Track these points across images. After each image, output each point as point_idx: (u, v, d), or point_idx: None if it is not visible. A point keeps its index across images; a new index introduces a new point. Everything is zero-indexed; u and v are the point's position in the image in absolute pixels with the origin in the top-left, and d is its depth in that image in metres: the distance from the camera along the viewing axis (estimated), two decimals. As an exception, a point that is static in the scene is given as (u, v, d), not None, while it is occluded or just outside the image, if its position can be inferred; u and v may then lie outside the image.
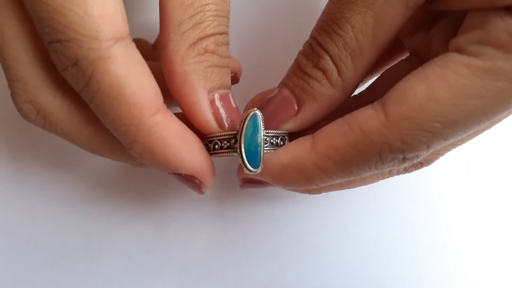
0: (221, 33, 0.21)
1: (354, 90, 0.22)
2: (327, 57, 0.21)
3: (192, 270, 0.31)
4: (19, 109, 0.22)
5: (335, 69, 0.21)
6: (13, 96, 0.21)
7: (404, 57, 0.26)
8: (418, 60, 0.26)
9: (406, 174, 0.26)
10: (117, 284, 0.30)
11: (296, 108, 0.22)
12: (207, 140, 0.22)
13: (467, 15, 0.19)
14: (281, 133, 0.23)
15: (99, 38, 0.18)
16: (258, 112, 0.21)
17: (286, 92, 0.23)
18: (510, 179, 0.33)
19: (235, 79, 0.27)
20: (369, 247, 0.32)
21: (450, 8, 0.20)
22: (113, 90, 0.18)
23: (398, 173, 0.26)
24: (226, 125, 0.22)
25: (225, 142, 0.22)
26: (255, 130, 0.21)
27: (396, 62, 0.27)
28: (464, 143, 0.24)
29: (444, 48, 0.20)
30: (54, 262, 0.30)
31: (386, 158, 0.20)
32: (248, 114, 0.21)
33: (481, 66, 0.18)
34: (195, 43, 0.20)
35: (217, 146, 0.22)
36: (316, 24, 0.22)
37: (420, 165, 0.25)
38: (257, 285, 0.31)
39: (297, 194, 0.30)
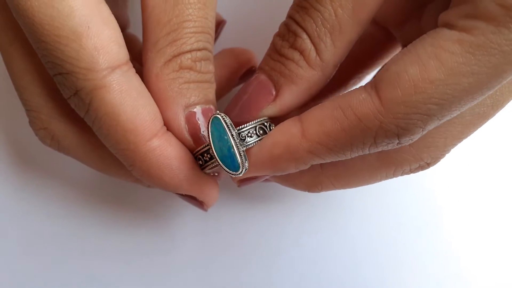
0: (199, 49, 0.21)
1: (333, 71, 0.21)
2: (305, 36, 0.20)
3: (189, 273, 0.31)
4: (36, 135, 0.24)
5: (313, 48, 0.20)
6: (30, 123, 0.23)
7: (397, 51, 0.24)
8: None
9: (410, 176, 0.25)
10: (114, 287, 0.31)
11: (274, 93, 0.21)
12: (194, 157, 0.22)
13: None
14: (260, 121, 0.21)
15: (94, 69, 0.18)
16: (218, 115, 0.20)
17: (262, 77, 0.22)
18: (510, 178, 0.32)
19: (219, 23, 0.27)
20: (368, 249, 0.31)
21: None
22: (109, 117, 0.19)
23: (403, 173, 0.25)
24: (205, 141, 0.21)
25: (206, 155, 0.22)
26: (221, 133, 0.20)
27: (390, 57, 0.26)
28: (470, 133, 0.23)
29: None
30: (50, 266, 0.31)
31: (381, 143, 0.19)
32: (209, 120, 0.20)
33: (473, 42, 0.17)
34: (170, 60, 0.20)
35: (201, 162, 0.22)
36: (294, 1, 0.21)
37: (427, 165, 0.24)
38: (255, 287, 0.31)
39: (297, 194, 0.29)
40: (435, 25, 0.20)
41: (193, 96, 0.21)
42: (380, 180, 0.25)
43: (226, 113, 0.21)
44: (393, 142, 0.19)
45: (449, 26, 0.18)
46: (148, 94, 0.20)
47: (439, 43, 0.17)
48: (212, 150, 0.20)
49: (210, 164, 0.22)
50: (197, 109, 0.21)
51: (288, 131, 0.20)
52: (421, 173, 0.25)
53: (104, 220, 0.31)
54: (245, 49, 0.28)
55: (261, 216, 0.32)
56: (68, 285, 0.31)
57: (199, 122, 0.21)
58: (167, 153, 0.20)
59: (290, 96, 0.21)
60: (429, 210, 0.32)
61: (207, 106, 0.22)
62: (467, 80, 0.17)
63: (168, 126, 0.21)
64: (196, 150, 0.22)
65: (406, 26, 0.24)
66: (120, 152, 0.20)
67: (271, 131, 0.21)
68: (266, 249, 0.31)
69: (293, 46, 0.20)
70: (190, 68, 0.21)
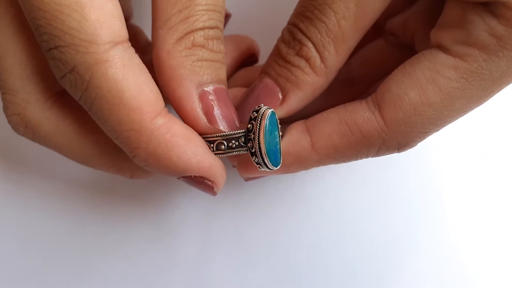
0: (211, 27, 0.20)
1: (335, 75, 0.23)
2: (310, 45, 0.21)
3: (189, 269, 0.30)
4: (9, 122, 0.22)
5: (318, 56, 0.21)
6: (4, 108, 0.22)
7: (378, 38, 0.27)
8: (394, 39, 0.27)
9: (407, 170, 0.30)
10: (112, 284, 0.30)
11: (280, 97, 0.23)
12: (207, 141, 0.21)
13: (445, 4, 0.21)
14: (242, 132, 0.22)
15: (96, 42, 0.18)
16: (273, 110, 0.21)
17: (268, 81, 0.23)
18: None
19: (254, 59, 0.27)
20: (369, 246, 0.31)
21: None
22: (111, 94, 0.18)
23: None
24: (218, 121, 0.21)
25: (233, 141, 0.21)
26: (273, 128, 0.21)
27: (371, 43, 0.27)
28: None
29: (421, 29, 0.22)
30: (49, 262, 0.30)
31: (382, 154, 0.22)
32: (264, 112, 0.20)
33: (467, 69, 0.19)
34: (182, 37, 0.20)
35: (223, 146, 0.21)
36: (295, 9, 0.22)
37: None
38: (255, 285, 0.30)
39: (297, 193, 0.31)
40: (419, 17, 0.23)
41: (206, 75, 0.20)
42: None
43: None
44: (393, 152, 0.22)
45: (444, 49, 0.20)
46: (149, 73, 0.20)
47: (436, 68, 0.20)
48: (260, 141, 0.20)
49: (235, 151, 0.21)
50: (210, 88, 0.21)
51: (299, 143, 0.22)
52: (422, 170, 0.28)
53: (104, 215, 0.31)
54: (245, 36, 0.28)
55: (261, 212, 0.31)
56: (68, 281, 0.30)
57: (212, 100, 0.21)
58: (173, 130, 0.19)
59: (295, 101, 0.23)
60: (432, 207, 0.32)
61: (220, 86, 0.21)
62: (461, 102, 0.20)
63: (180, 104, 0.20)
64: (219, 134, 0.21)
65: (393, 17, 0.26)
66: (123, 134, 0.19)
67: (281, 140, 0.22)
68: (266, 245, 0.31)
69: (299, 54, 0.22)
70: (203, 46, 0.20)
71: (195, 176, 0.21)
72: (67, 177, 0.31)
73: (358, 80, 0.28)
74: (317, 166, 0.23)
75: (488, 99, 0.21)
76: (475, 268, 0.31)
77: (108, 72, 0.18)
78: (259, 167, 0.21)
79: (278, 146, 0.21)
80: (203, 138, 0.21)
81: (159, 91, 0.20)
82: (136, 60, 0.19)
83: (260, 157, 0.20)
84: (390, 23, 0.27)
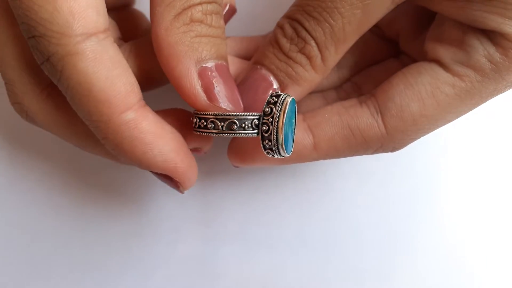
0: (209, 2, 0.20)
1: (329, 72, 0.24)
2: (313, 43, 0.22)
3: (191, 263, 0.30)
4: (14, 109, 0.23)
5: (319, 56, 0.22)
6: (8, 96, 0.23)
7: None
8: (379, 30, 0.28)
9: (408, 168, 0.31)
10: (115, 278, 0.30)
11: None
12: (205, 118, 0.21)
13: (445, 23, 0.23)
14: (256, 115, 0.21)
15: (68, 34, 0.18)
16: (293, 97, 0.21)
17: (265, 73, 0.23)
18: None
19: (232, 10, 0.26)
20: (370, 240, 0.31)
21: (433, 8, 0.22)
22: (81, 86, 0.18)
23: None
24: (219, 98, 0.20)
25: (246, 122, 0.20)
26: (291, 115, 0.21)
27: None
28: None
29: (407, 30, 0.25)
30: (50, 256, 0.30)
31: (376, 153, 0.24)
32: (285, 98, 0.20)
33: (463, 88, 0.22)
34: (180, 13, 0.19)
35: (235, 126, 0.20)
36: (298, 4, 0.22)
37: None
38: (256, 278, 0.30)
39: (298, 187, 0.32)
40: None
41: (205, 51, 0.20)
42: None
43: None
44: (386, 152, 0.24)
45: (444, 67, 0.22)
46: (126, 65, 0.19)
47: (437, 84, 0.22)
48: (279, 127, 0.20)
49: (241, 133, 0.21)
50: (210, 64, 0.20)
51: (302, 142, 0.23)
52: (423, 169, 0.30)
53: (106, 211, 0.31)
54: None
55: (263, 206, 0.31)
56: (69, 274, 0.30)
57: (212, 77, 0.20)
58: (141, 126, 0.19)
59: (293, 95, 0.22)
60: (433, 203, 0.32)
61: (220, 62, 0.21)
62: (451, 115, 0.23)
63: (178, 82, 0.20)
64: (234, 114, 0.20)
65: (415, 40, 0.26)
66: (93, 123, 0.19)
67: None
68: (267, 240, 0.31)
69: (302, 51, 0.22)
70: (201, 21, 0.20)
71: (160, 173, 0.21)
72: (70, 171, 0.31)
73: (343, 67, 0.28)
74: (314, 160, 0.24)
75: (471, 110, 0.23)
76: (475, 262, 0.31)
77: (78, 65, 0.18)
78: (268, 153, 0.21)
79: (293, 134, 0.22)
80: (203, 115, 0.21)
81: (134, 84, 0.20)
82: (111, 52, 0.19)
83: (275, 143, 0.20)
84: (409, 45, 0.27)
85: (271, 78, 0.23)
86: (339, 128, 0.23)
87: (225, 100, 0.21)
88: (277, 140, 0.20)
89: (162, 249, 0.30)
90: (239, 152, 0.25)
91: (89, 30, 0.18)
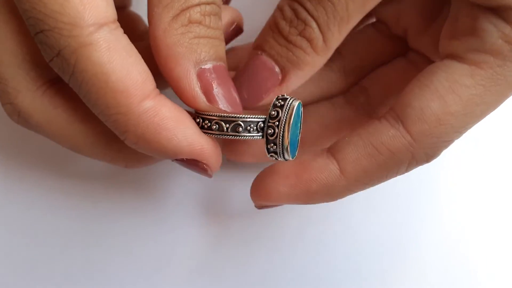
0: (208, 3, 0.20)
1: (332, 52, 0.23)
2: (314, 25, 0.21)
3: (191, 264, 0.30)
4: (4, 110, 0.22)
5: (321, 37, 0.21)
6: None
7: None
8: (386, 28, 0.27)
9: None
10: (115, 279, 0.30)
11: (280, 77, 0.22)
12: (208, 119, 0.21)
13: (453, 15, 0.22)
14: (262, 117, 0.21)
15: (79, 25, 0.17)
16: (300, 101, 0.21)
17: (266, 59, 0.22)
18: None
19: (238, 29, 0.26)
20: (371, 241, 0.30)
21: None
22: (97, 78, 0.18)
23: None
24: (218, 100, 0.20)
25: (252, 125, 0.20)
26: (297, 119, 0.21)
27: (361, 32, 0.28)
28: None
29: (415, 25, 0.23)
30: (51, 257, 0.30)
31: (411, 168, 0.22)
32: (292, 102, 0.20)
33: (483, 75, 0.20)
34: (178, 14, 0.19)
35: (240, 128, 0.20)
36: None
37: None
38: (257, 279, 0.30)
39: None
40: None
41: (203, 52, 0.20)
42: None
43: None
44: (422, 164, 0.22)
45: (458, 59, 0.21)
46: (138, 53, 0.19)
47: (453, 78, 0.20)
48: (285, 131, 0.20)
49: (245, 136, 0.20)
50: (209, 66, 0.20)
51: (326, 168, 0.22)
52: (424, 167, 0.27)
53: (105, 210, 0.30)
54: (226, 5, 0.27)
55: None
56: (70, 276, 0.30)
57: (211, 79, 0.20)
58: (162, 113, 0.19)
59: (295, 80, 0.22)
60: (435, 204, 0.31)
61: (218, 63, 0.20)
62: (480, 108, 0.21)
63: (177, 84, 0.20)
64: (240, 116, 0.20)
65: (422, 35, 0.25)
66: (111, 117, 0.19)
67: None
68: (268, 241, 0.30)
69: (302, 34, 0.21)
70: (200, 23, 0.20)
71: (187, 159, 0.20)
72: (69, 172, 0.31)
73: (350, 71, 0.28)
74: (345, 193, 0.22)
75: (503, 102, 0.21)
76: (478, 261, 0.30)
77: (93, 56, 0.17)
78: (272, 156, 0.21)
79: (298, 138, 0.21)
80: (207, 115, 0.21)
81: (149, 73, 0.19)
82: (124, 41, 0.19)
83: (280, 146, 0.20)
84: (382, 11, 0.27)
85: (273, 63, 0.22)
86: (362, 148, 0.21)
87: (224, 101, 0.20)
88: (282, 144, 0.20)
89: (162, 249, 0.30)
90: (263, 189, 0.23)
91: (101, 20, 0.18)
